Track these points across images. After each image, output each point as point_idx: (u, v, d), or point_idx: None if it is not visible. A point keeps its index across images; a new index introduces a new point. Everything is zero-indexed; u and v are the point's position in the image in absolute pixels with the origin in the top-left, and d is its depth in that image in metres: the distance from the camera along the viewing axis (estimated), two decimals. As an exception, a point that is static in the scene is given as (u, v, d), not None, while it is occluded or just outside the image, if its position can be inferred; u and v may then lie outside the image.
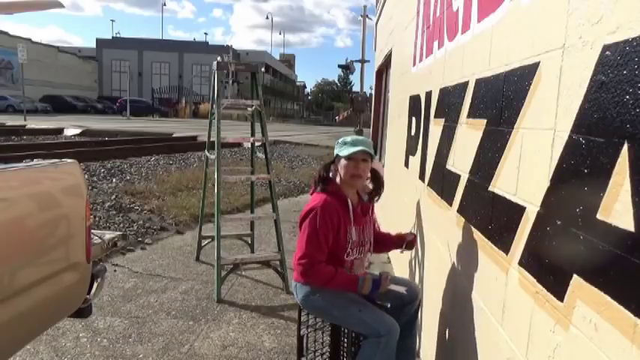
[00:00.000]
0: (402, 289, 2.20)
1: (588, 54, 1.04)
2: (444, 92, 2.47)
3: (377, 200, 2.42)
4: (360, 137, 2.26)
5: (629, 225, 0.87)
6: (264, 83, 44.57)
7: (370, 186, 2.38)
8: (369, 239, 2.34)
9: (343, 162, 2.17)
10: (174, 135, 18.72)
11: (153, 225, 5.60)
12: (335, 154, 2.24)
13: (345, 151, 2.16)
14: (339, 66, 23.46)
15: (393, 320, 2.10)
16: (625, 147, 0.90)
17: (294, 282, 2.27)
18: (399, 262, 4.15)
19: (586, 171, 1.03)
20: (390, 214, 4.72)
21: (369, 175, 2.28)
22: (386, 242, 2.53)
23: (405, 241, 2.48)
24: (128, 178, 8.53)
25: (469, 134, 1.94)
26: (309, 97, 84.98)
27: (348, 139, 2.22)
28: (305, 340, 2.51)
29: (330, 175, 2.27)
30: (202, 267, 4.45)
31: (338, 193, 2.20)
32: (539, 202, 1.25)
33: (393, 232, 2.63)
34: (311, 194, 2.29)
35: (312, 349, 2.51)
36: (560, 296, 1.11)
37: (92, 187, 7.24)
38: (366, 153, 2.16)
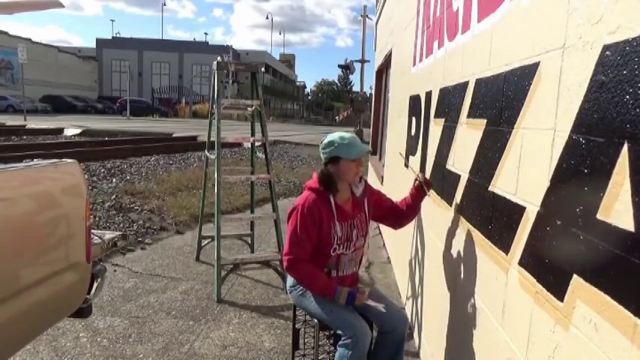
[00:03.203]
0: (380, 307, 2.21)
1: (588, 54, 1.04)
2: (444, 92, 2.47)
3: (360, 192, 2.35)
4: (349, 135, 2.27)
5: (629, 225, 0.87)
6: (264, 83, 44.58)
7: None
8: (359, 234, 2.31)
9: (347, 163, 2.18)
10: (174, 135, 18.71)
11: (153, 225, 5.59)
12: (332, 155, 2.19)
13: (352, 153, 2.17)
14: (339, 66, 23.48)
15: (361, 324, 2.11)
16: (625, 147, 0.90)
17: None
18: (399, 262, 4.15)
19: (586, 171, 1.03)
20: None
21: None
22: (405, 208, 2.43)
23: (419, 191, 2.38)
24: (128, 178, 8.53)
25: (469, 134, 1.94)
26: (309, 97, 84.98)
27: (345, 140, 2.18)
28: (302, 335, 2.53)
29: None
30: (202, 267, 4.45)
31: (320, 191, 2.22)
32: (539, 202, 1.25)
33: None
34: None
35: (308, 344, 2.52)
36: (560, 296, 1.11)
37: (92, 187, 7.24)
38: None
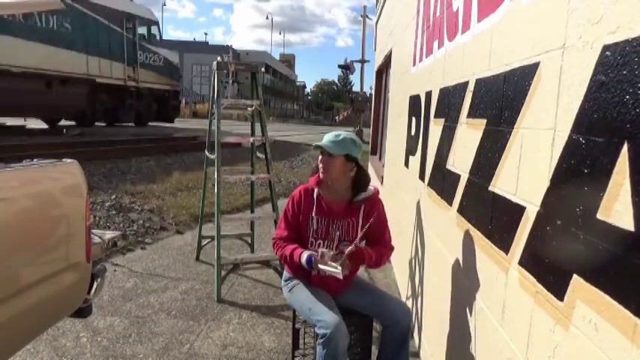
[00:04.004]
0: (337, 274, 2.05)
1: (588, 54, 1.04)
2: (444, 92, 2.47)
3: (360, 198, 2.31)
4: (336, 132, 2.30)
5: (629, 225, 0.87)
6: (264, 83, 44.57)
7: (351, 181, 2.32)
8: (344, 238, 2.28)
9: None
10: (174, 135, 18.70)
11: (153, 225, 5.60)
12: None
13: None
14: (339, 66, 23.52)
15: (338, 322, 2.06)
16: (625, 147, 0.90)
17: None
18: (399, 262, 4.15)
19: (586, 171, 1.03)
20: (391, 214, 4.72)
21: (353, 171, 2.27)
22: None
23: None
24: (128, 178, 8.53)
25: (469, 134, 1.94)
26: (309, 97, 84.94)
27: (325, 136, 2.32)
28: (302, 335, 2.53)
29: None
30: (202, 267, 4.45)
31: (310, 184, 2.37)
32: (539, 202, 1.25)
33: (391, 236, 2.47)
34: None
35: (308, 344, 2.52)
36: (560, 296, 1.11)
37: (92, 187, 7.24)
38: (323, 148, 2.23)
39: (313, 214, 2.29)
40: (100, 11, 16.00)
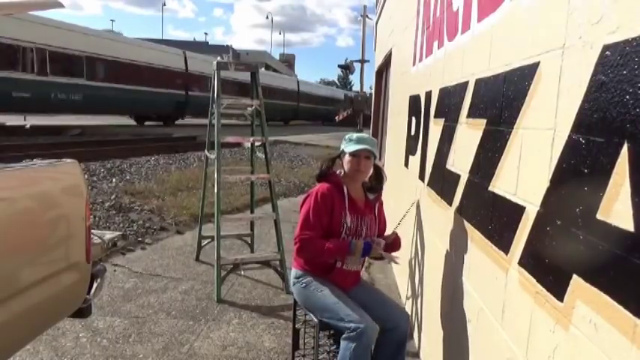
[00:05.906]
0: (396, 259, 2.34)
1: (588, 54, 1.04)
2: (444, 92, 2.47)
3: (378, 192, 2.48)
4: (366, 136, 2.37)
5: (629, 225, 0.87)
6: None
7: (368, 181, 2.47)
8: (369, 233, 2.36)
9: (347, 157, 2.32)
10: (174, 135, 18.71)
11: (153, 225, 5.59)
12: (341, 149, 2.38)
13: (349, 148, 2.30)
14: (339, 66, 23.44)
15: (365, 316, 2.10)
16: (625, 147, 0.90)
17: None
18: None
19: (586, 171, 1.03)
20: (390, 214, 4.71)
21: (371, 171, 2.41)
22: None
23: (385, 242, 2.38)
24: (128, 178, 8.53)
25: (469, 134, 1.94)
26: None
27: (354, 136, 2.35)
28: (302, 335, 2.53)
29: (336, 169, 2.42)
30: (202, 267, 4.45)
31: (335, 182, 2.34)
32: (539, 202, 1.25)
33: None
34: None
35: (308, 344, 2.53)
36: (560, 296, 1.11)
37: (92, 187, 7.24)
38: (369, 151, 2.30)
39: (347, 211, 2.30)
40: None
